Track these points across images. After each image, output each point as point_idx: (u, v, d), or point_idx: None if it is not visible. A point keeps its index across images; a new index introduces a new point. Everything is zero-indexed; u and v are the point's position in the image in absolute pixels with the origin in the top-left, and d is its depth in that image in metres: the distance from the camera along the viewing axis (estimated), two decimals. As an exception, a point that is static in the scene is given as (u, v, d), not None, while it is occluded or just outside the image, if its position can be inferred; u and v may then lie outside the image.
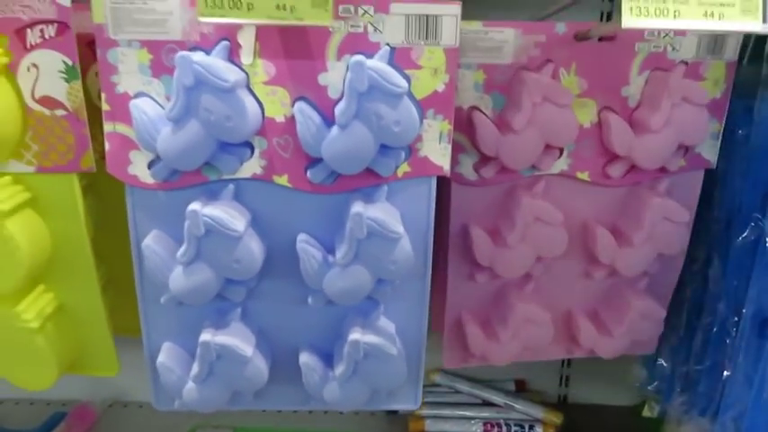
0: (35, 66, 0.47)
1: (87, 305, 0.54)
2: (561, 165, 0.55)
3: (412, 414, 0.79)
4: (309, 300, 0.51)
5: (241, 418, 0.84)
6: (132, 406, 0.91)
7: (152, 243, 0.48)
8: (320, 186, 0.48)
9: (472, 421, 0.79)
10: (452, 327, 0.62)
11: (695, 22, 0.41)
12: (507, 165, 0.53)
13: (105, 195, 0.58)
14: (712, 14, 0.41)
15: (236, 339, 0.49)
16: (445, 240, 0.58)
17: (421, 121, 0.46)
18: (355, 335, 0.49)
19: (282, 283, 0.51)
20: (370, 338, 0.49)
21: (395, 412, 0.82)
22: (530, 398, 0.84)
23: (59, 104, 0.48)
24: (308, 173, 0.48)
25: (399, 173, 0.48)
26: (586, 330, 0.61)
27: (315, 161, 0.47)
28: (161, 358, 0.51)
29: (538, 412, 0.82)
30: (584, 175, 0.56)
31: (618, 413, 0.86)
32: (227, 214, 0.45)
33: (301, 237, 0.48)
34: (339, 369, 0.50)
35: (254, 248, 0.47)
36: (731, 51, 0.53)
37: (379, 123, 0.44)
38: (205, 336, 0.48)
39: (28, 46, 0.46)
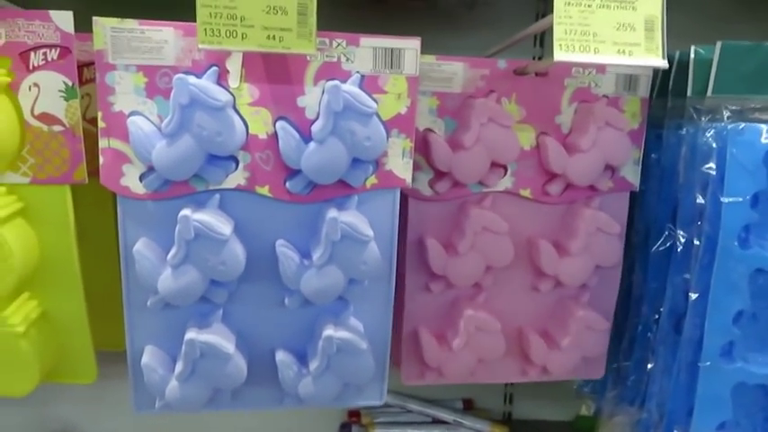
0: (36, 85, 0.50)
1: (70, 313, 0.56)
2: (506, 182, 0.62)
3: (365, 433, 0.82)
4: (286, 301, 0.55)
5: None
6: None
7: (142, 248, 0.51)
8: (298, 196, 0.53)
9: (424, 438, 0.82)
10: (409, 338, 0.66)
11: (611, 57, 0.49)
12: (459, 179, 0.59)
13: (89, 214, 0.60)
14: (623, 52, 0.50)
15: (219, 338, 0.52)
16: (402, 254, 0.62)
17: (387, 139, 0.52)
18: (329, 331, 0.53)
19: (261, 287, 0.55)
20: (343, 334, 0.53)
21: (348, 426, 0.85)
22: (477, 415, 0.88)
23: (57, 121, 0.51)
24: (287, 184, 0.53)
25: (368, 184, 0.54)
26: (537, 345, 0.65)
27: (293, 173, 0.52)
28: (145, 359, 0.53)
29: (485, 426, 0.86)
30: (527, 192, 0.62)
31: (558, 427, 0.90)
32: (215, 219, 0.49)
33: (280, 242, 0.53)
34: (313, 364, 0.54)
35: (239, 252, 0.51)
36: (644, 88, 0.61)
37: (352, 139, 0.50)
38: (190, 334, 0.51)
39: (30, 67, 0.50)
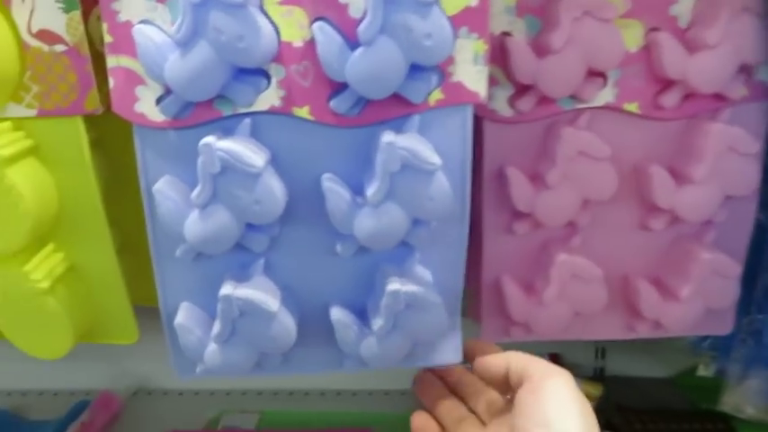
0: (30, -4, 0.42)
1: (101, 266, 0.49)
2: (606, 96, 0.49)
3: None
4: (338, 248, 0.45)
5: (268, 401, 0.80)
6: (156, 393, 0.88)
7: (164, 187, 0.42)
8: (345, 118, 0.43)
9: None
10: (490, 290, 0.55)
11: None
12: (546, 93, 0.47)
13: (115, 155, 0.54)
14: None
15: (260, 293, 0.43)
16: (478, 189, 0.52)
17: (453, 39, 0.40)
18: (394, 285, 0.43)
19: (307, 232, 0.46)
20: (410, 288, 0.43)
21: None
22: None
23: (58, 39, 0.43)
24: (332, 103, 0.42)
25: (431, 100, 0.43)
26: (648, 295, 0.53)
27: (338, 89, 0.42)
28: (179, 318, 0.46)
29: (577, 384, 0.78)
30: (633, 107, 0.49)
31: (658, 384, 0.80)
32: (245, 148, 0.40)
33: (327, 176, 0.43)
34: (377, 323, 0.45)
35: (276, 188, 0.41)
36: (790, -39, 0.47)
37: (408, 37, 0.39)
38: (226, 289, 0.43)
39: (21, -26, 0.41)
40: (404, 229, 0.43)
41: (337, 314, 0.46)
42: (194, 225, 0.42)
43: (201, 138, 0.40)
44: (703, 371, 0.64)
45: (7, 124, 0.44)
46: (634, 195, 0.52)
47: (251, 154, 0.40)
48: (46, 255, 0.48)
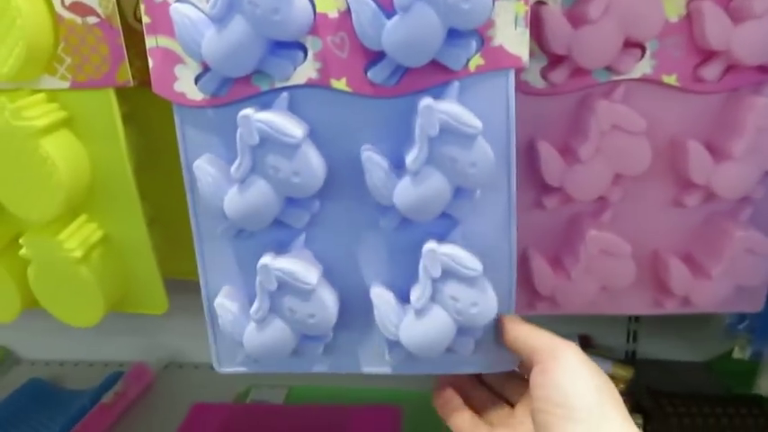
0: (63, -31, 0.42)
1: (132, 237, 0.50)
2: (644, 67, 0.47)
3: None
4: (381, 222, 0.44)
5: (296, 377, 0.79)
6: (188, 366, 0.90)
7: (204, 164, 0.42)
8: (383, 88, 0.42)
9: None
10: (518, 263, 0.54)
11: None
12: (581, 64, 0.45)
13: (147, 130, 0.54)
14: None
15: (299, 264, 0.42)
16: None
17: (492, 3, 0.39)
18: (431, 245, 0.41)
19: (348, 207, 0.44)
20: (448, 249, 0.41)
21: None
22: (596, 353, 0.78)
23: (91, 11, 0.43)
24: (369, 73, 0.41)
25: (471, 66, 0.41)
26: (678, 272, 0.51)
27: (375, 58, 0.41)
28: (219, 299, 0.45)
29: (607, 366, 0.76)
30: (672, 79, 0.47)
31: (691, 368, 0.79)
32: (283, 119, 0.39)
33: (366, 147, 0.42)
34: (416, 293, 0.42)
35: (314, 159, 0.41)
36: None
37: (445, 1, 0.37)
38: (265, 260, 0.42)
39: (54, -52, 0.42)
40: (445, 198, 0.41)
41: (377, 291, 0.44)
42: (234, 199, 0.41)
43: (240, 114, 0.40)
44: (739, 353, 0.62)
45: (41, 96, 0.45)
46: (668, 171, 0.50)
47: (289, 124, 0.39)
48: (79, 225, 0.48)
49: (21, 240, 0.48)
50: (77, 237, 0.48)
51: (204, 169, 0.42)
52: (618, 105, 0.47)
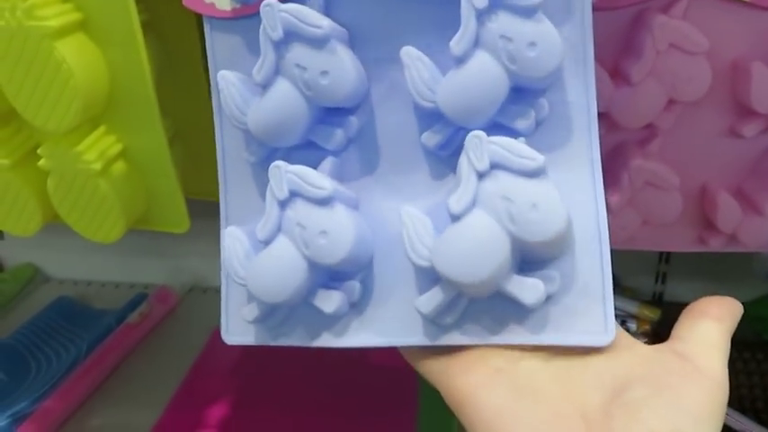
0: None
1: (152, 152, 0.47)
2: (708, -22, 0.42)
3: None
4: (422, 137, 0.36)
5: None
6: (210, 291, 0.90)
7: (229, 74, 0.38)
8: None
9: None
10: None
11: None
12: (641, -27, 0.41)
13: (168, 41, 0.51)
14: None
15: (314, 172, 0.35)
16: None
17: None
18: (476, 132, 0.32)
19: (391, 123, 0.38)
20: (499, 140, 0.32)
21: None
22: (623, 294, 0.76)
23: None
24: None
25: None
26: (727, 207, 0.47)
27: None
28: (230, 228, 0.38)
29: (632, 307, 0.74)
30: (740, -7, 0.42)
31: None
32: (310, 10, 0.35)
33: (406, 48, 0.35)
34: (453, 197, 0.33)
35: (345, 57, 0.35)
36: None
37: None
38: (279, 162, 0.35)
39: None
40: (499, 90, 0.33)
41: (409, 210, 0.35)
42: (257, 109, 0.37)
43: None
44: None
45: (54, -6, 0.41)
46: (727, 96, 0.45)
47: (317, 15, 0.35)
48: (98, 137, 0.46)
49: (39, 151, 0.46)
50: (96, 149, 0.45)
51: (228, 79, 0.38)
52: (678, 21, 0.42)
